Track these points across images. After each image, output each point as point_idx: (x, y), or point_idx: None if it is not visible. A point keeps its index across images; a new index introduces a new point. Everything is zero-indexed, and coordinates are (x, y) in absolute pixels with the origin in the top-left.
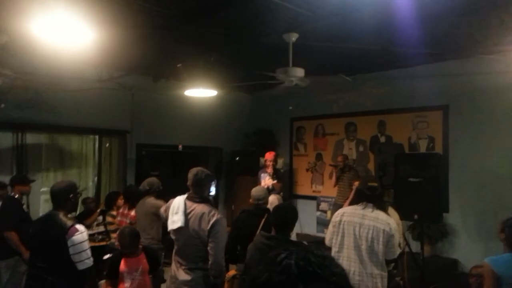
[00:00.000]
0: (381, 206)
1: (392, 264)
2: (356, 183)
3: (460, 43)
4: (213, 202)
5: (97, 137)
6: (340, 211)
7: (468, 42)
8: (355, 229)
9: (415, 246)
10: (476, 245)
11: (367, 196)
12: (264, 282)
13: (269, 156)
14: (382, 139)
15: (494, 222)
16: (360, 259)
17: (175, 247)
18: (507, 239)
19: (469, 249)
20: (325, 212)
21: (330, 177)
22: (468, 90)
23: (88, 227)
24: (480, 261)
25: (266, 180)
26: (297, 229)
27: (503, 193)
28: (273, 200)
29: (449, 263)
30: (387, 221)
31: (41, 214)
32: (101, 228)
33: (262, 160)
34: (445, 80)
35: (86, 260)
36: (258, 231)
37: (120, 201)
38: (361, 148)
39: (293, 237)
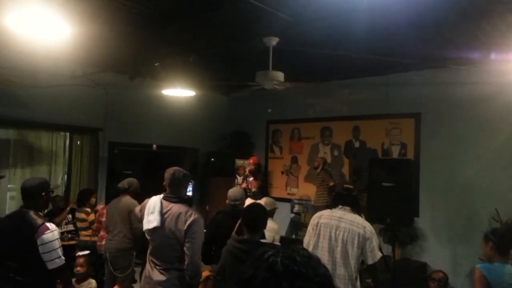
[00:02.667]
0: (358, 211)
1: (370, 280)
2: (331, 182)
3: (434, 53)
4: (189, 202)
5: (67, 134)
6: (319, 213)
7: (441, 52)
8: (331, 231)
9: (386, 249)
10: (444, 249)
11: (344, 196)
12: (250, 278)
13: (252, 159)
14: (357, 144)
15: (463, 227)
16: (333, 261)
17: (150, 247)
18: (497, 248)
19: (437, 253)
20: (299, 214)
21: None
22: (440, 99)
23: (57, 225)
24: (441, 266)
25: (251, 181)
26: None
27: (471, 199)
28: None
29: (419, 266)
30: (363, 224)
31: (7, 211)
32: (70, 227)
33: (238, 162)
34: (418, 89)
35: (56, 260)
36: (233, 233)
37: (93, 199)
38: (336, 153)
39: (277, 239)
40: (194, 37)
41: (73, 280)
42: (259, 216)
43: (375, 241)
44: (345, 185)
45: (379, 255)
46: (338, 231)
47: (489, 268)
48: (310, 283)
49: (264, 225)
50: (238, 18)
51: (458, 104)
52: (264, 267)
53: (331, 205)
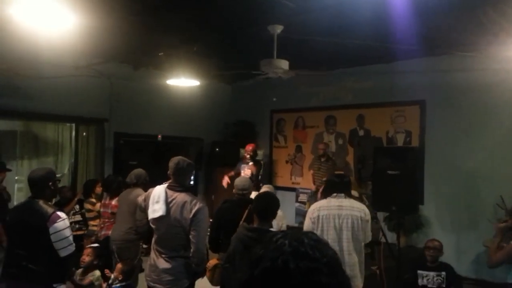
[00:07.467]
0: (350, 195)
1: (369, 249)
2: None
3: (438, 40)
4: (193, 191)
5: (73, 125)
6: (315, 206)
7: (446, 39)
8: (335, 221)
9: (391, 237)
10: (449, 237)
11: (336, 184)
12: (259, 258)
13: (249, 147)
14: (361, 133)
15: (467, 215)
16: (342, 250)
17: (155, 236)
18: None
19: (442, 240)
20: (304, 203)
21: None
22: (445, 86)
23: None
24: (446, 253)
25: (246, 171)
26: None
27: (476, 187)
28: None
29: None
30: (361, 207)
31: (15, 203)
32: (78, 217)
33: (242, 151)
34: (423, 76)
35: (68, 247)
36: (242, 221)
37: (99, 189)
38: (340, 141)
39: (284, 226)
40: (197, 26)
41: (80, 270)
42: (271, 205)
43: (370, 222)
44: (336, 172)
45: (371, 236)
46: (341, 220)
47: None
48: (317, 263)
49: (274, 215)
50: (242, 6)
51: (463, 91)
52: (272, 248)
53: (326, 194)
